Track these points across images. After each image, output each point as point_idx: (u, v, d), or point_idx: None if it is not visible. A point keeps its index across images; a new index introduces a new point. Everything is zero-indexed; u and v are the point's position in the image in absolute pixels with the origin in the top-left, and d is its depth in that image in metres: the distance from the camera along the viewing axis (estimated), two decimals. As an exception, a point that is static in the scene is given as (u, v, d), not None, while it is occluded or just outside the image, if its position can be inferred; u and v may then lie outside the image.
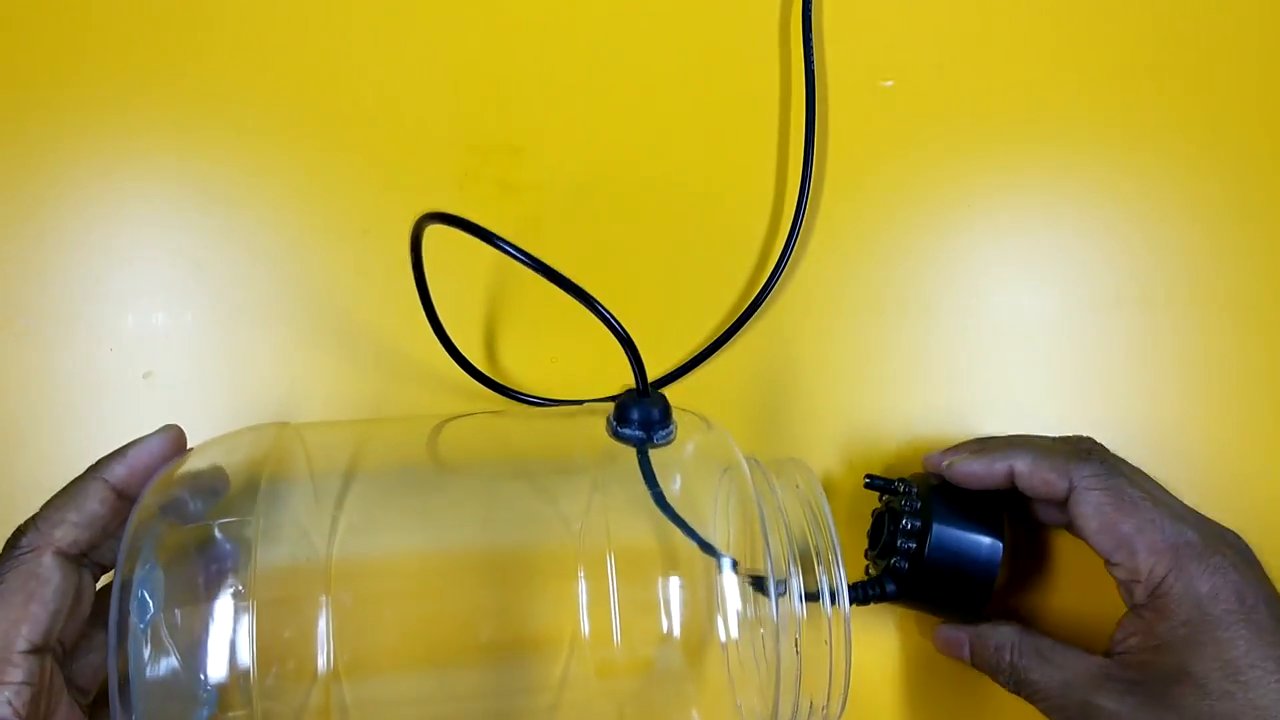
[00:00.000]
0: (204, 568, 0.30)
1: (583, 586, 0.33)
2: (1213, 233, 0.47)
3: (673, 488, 0.34)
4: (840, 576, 0.34)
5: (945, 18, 0.49)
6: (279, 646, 0.29)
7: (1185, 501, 0.39)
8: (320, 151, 0.47)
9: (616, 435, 0.34)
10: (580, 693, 0.33)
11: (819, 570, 0.34)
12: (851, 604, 0.36)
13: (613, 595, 0.32)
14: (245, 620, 0.29)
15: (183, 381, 0.45)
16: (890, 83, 0.48)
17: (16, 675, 0.28)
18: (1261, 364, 0.46)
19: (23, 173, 0.46)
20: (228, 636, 0.29)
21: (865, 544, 0.43)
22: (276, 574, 0.30)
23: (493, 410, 0.44)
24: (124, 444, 0.33)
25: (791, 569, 0.33)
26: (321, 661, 0.30)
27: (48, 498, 0.32)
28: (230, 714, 0.28)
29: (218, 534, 0.30)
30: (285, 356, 0.45)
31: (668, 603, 0.33)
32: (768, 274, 0.46)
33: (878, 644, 0.44)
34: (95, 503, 0.31)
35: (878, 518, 0.43)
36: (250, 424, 0.44)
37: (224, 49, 0.47)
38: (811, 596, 0.33)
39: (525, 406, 0.44)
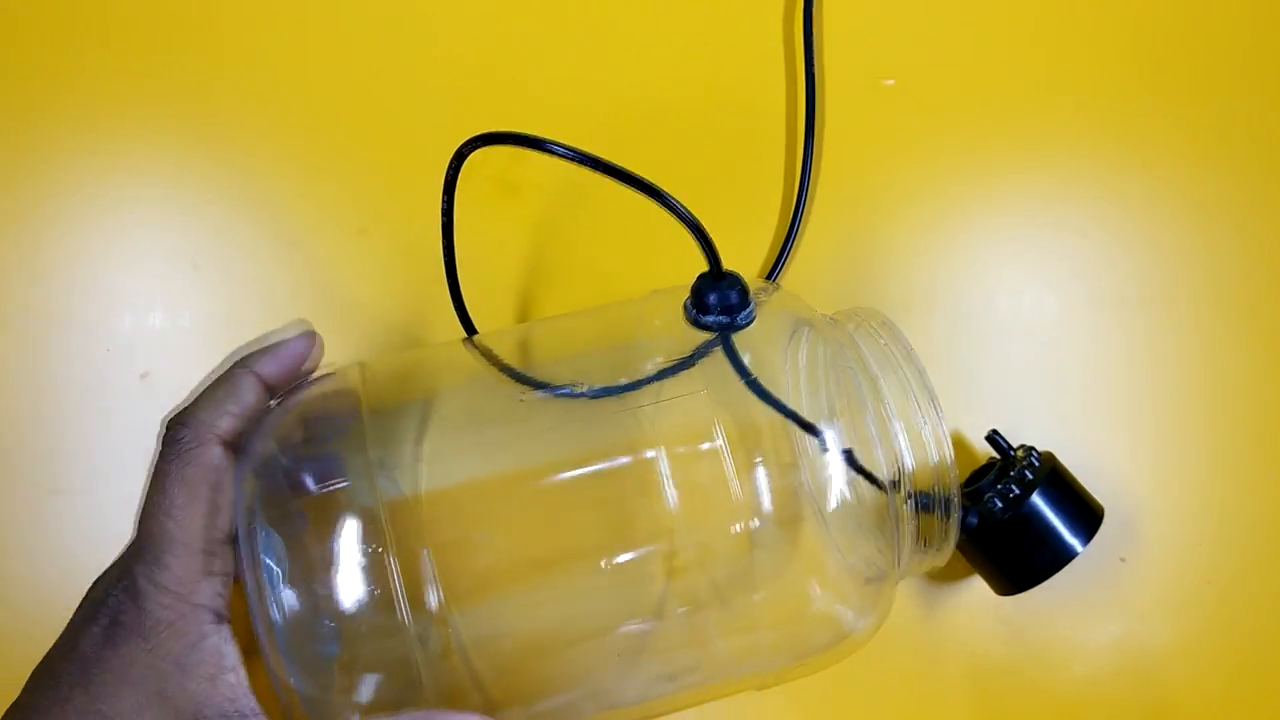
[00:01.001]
0: (318, 525, 0.30)
1: (668, 478, 0.32)
2: (1214, 233, 0.48)
3: (743, 358, 0.33)
4: (942, 426, 0.33)
5: (946, 17, 0.49)
6: (386, 586, 0.30)
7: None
8: (318, 150, 0.47)
9: (697, 324, 0.33)
10: (687, 581, 0.33)
11: (920, 423, 0.33)
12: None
13: (701, 479, 0.32)
14: (362, 562, 0.29)
15: (180, 382, 0.44)
16: (892, 82, 0.48)
17: (221, 566, 0.29)
18: (1262, 364, 0.46)
19: (19, 172, 0.45)
20: (346, 579, 0.29)
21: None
22: (376, 515, 0.30)
23: (551, 318, 0.44)
24: (268, 340, 0.34)
25: (895, 427, 0.33)
26: (431, 597, 0.30)
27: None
28: (359, 649, 0.29)
29: (330, 494, 0.31)
30: (283, 357, 0.45)
31: (757, 481, 0.32)
32: (766, 273, 0.46)
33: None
34: (251, 395, 0.32)
35: (986, 467, 0.44)
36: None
37: (222, 48, 0.47)
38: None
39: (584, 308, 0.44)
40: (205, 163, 0.46)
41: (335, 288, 0.46)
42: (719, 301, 0.33)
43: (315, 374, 0.35)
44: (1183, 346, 0.47)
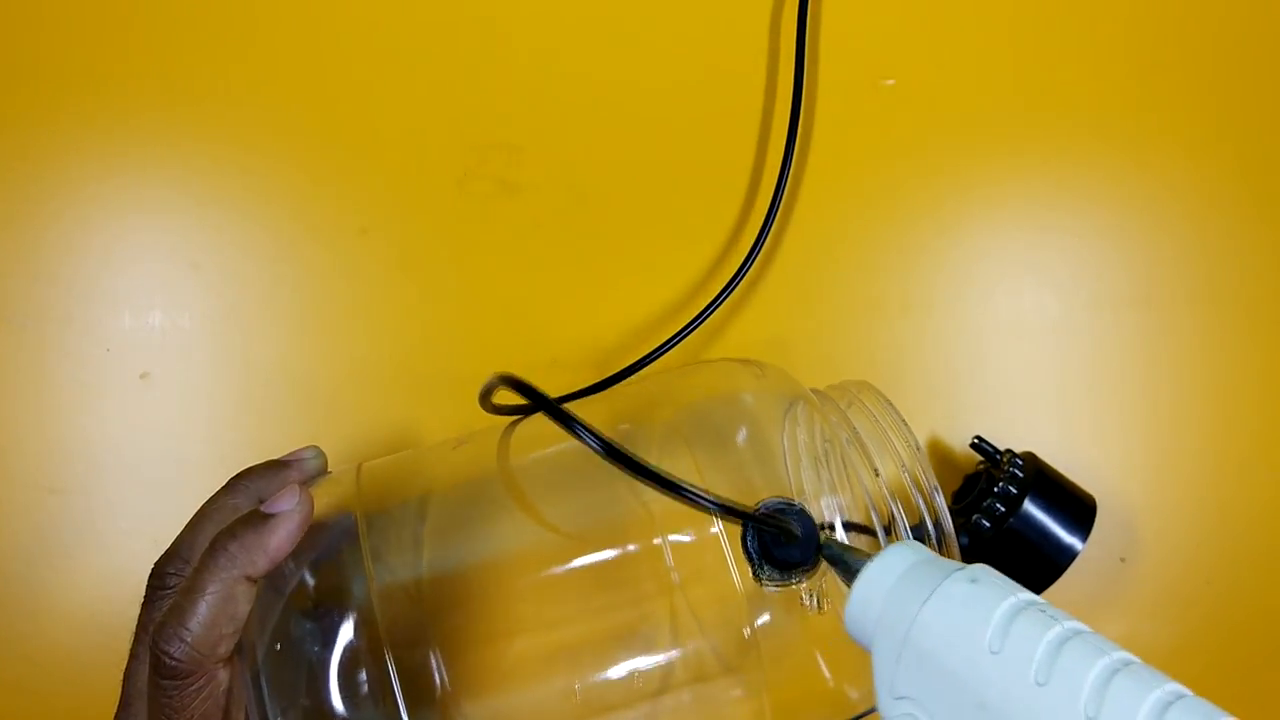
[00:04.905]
0: (319, 653, 0.30)
1: (670, 563, 0.32)
2: (1215, 233, 0.48)
3: (738, 438, 0.32)
4: (941, 505, 0.33)
5: (946, 17, 0.49)
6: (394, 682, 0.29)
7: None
8: (318, 150, 0.47)
9: (761, 579, 0.31)
10: (694, 658, 0.32)
11: (917, 500, 0.33)
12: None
13: (702, 560, 0.32)
14: (372, 669, 0.29)
15: (180, 382, 0.45)
16: (892, 81, 0.48)
17: None
18: (1261, 364, 0.46)
19: (20, 173, 0.45)
20: (356, 685, 0.29)
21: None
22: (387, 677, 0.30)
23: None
24: (254, 516, 0.30)
25: (894, 509, 0.32)
26: (438, 682, 0.30)
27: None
28: None
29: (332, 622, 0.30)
30: (282, 357, 0.45)
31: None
32: (740, 266, 0.46)
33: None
34: (246, 605, 0.29)
35: (971, 479, 0.44)
36: (248, 423, 0.44)
37: (222, 48, 0.47)
38: (917, 531, 0.33)
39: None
40: (205, 163, 0.46)
41: (336, 287, 0.46)
42: (795, 559, 0.30)
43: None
44: (1182, 347, 0.47)
